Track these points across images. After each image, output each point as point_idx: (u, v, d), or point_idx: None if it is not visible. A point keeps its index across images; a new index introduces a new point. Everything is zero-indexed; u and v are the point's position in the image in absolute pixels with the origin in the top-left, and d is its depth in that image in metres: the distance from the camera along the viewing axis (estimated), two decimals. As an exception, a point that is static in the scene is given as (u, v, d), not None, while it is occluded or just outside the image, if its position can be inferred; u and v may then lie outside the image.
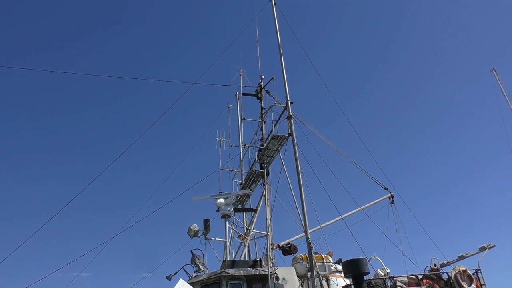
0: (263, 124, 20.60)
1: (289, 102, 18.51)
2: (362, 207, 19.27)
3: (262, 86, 21.68)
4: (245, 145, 21.56)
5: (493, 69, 32.82)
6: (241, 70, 23.68)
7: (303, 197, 15.75)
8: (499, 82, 31.44)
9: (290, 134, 17.63)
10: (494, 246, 17.77)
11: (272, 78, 21.04)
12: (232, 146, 21.95)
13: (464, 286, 15.92)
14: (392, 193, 20.48)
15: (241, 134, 22.32)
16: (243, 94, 22.74)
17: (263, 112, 20.99)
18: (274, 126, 18.47)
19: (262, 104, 21.31)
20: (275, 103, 19.62)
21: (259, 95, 21.54)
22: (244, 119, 22.73)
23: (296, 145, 17.08)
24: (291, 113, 18.16)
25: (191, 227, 16.28)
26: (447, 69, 78.31)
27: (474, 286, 16.15)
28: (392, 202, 20.32)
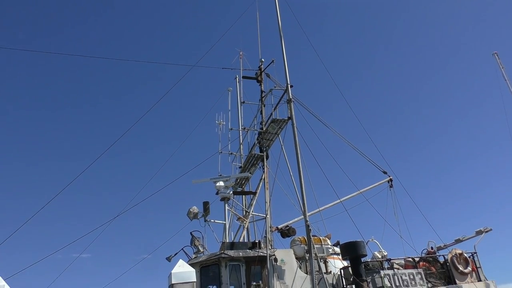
0: (262, 107, 20.56)
1: (289, 85, 18.43)
2: (361, 191, 19.37)
3: (262, 69, 21.55)
4: (244, 128, 21.57)
5: (495, 53, 32.48)
6: (241, 53, 23.53)
7: (302, 180, 15.83)
8: (501, 67, 31.15)
9: (290, 118, 17.60)
10: (491, 230, 17.94)
11: (272, 61, 20.91)
12: (231, 129, 21.97)
13: (460, 268, 16.16)
14: (391, 177, 20.57)
15: (241, 118, 22.32)
16: (243, 77, 22.63)
17: (263, 96, 20.92)
18: (274, 109, 18.44)
19: (262, 88, 21.23)
20: (275, 87, 19.53)
21: (259, 78, 21.43)
22: (243, 102, 22.69)
23: (295, 129, 17.08)
24: (291, 97, 18.10)
25: (191, 209, 16.41)
26: (448, 53, 77.67)
27: (470, 269, 16.40)
28: (391, 186, 20.42)
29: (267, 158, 18.49)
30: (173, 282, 8.88)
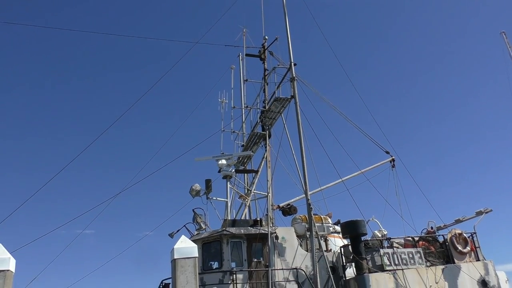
0: (265, 85, 20.41)
1: (292, 63, 18.25)
2: (362, 170, 19.42)
3: (266, 47, 21.30)
4: (247, 106, 21.50)
5: (503, 32, 31.91)
6: (244, 30, 23.23)
7: (304, 159, 15.85)
8: (508, 46, 30.66)
9: (293, 96, 17.50)
10: (491, 210, 18.04)
11: (276, 39, 20.62)
12: (234, 107, 21.92)
13: (459, 248, 16.33)
14: (393, 157, 20.58)
15: (244, 96, 22.23)
16: (246, 55, 22.40)
17: (266, 74, 20.73)
18: (277, 88, 18.33)
19: (265, 66, 21.02)
20: (278, 65, 19.37)
21: (262, 56, 21.20)
22: (246, 80, 22.54)
23: (298, 107, 17.00)
24: (294, 75, 17.94)
25: (193, 187, 16.53)
26: (455, 33, 76.47)
27: (469, 249, 16.56)
28: (393, 166, 20.45)
29: (269, 137, 18.48)
30: (175, 257, 9.01)
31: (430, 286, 14.92)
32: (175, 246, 9.23)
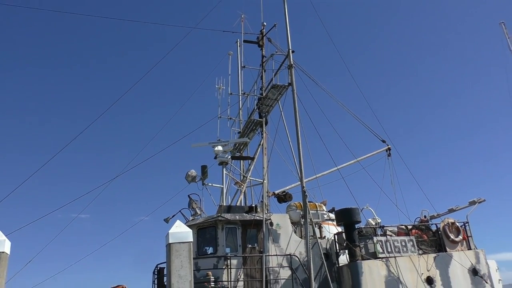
0: (263, 72, 20.31)
1: (290, 50, 18.14)
2: (358, 159, 19.51)
3: (264, 34, 21.12)
4: (244, 93, 21.42)
5: (502, 22, 31.75)
6: (242, 16, 23.03)
7: (300, 146, 15.89)
8: (507, 36, 30.54)
9: (290, 84, 17.44)
10: (484, 200, 18.23)
11: (274, 25, 20.43)
12: (231, 94, 21.84)
13: (451, 237, 16.53)
14: (389, 146, 20.66)
15: (241, 82, 22.14)
16: (244, 41, 22.24)
17: (263, 61, 20.61)
18: (275, 75, 18.22)
19: (263, 52, 20.88)
20: (276, 52, 19.23)
21: (260, 43, 21.04)
22: (244, 67, 22.42)
23: (295, 95, 16.96)
24: (292, 62, 17.86)
25: (189, 173, 16.59)
26: (454, 22, 76.08)
27: (461, 238, 16.77)
28: (389, 155, 20.55)
29: (266, 124, 18.47)
30: (170, 242, 9.09)
31: (422, 273, 15.14)
32: (170, 231, 9.30)
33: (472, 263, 16.10)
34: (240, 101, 21.64)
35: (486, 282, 15.96)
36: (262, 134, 18.28)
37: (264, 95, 18.63)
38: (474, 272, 16.00)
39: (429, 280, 15.15)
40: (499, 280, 17.07)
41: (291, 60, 17.90)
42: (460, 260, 15.93)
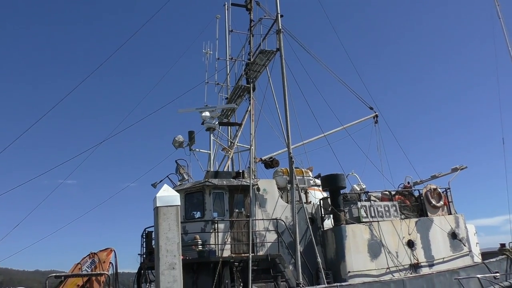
0: (251, 37, 19.96)
1: (279, 15, 17.78)
2: (345, 126, 19.65)
3: (253, -4, 20.59)
4: (232, 58, 21.10)
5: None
6: (231, -22, 22.32)
7: (288, 113, 15.89)
8: (497, 4, 30.27)
9: (279, 49, 17.20)
10: (466, 167, 18.66)
11: (263, -12, 19.91)
12: (218, 59, 21.50)
13: (433, 202, 17.00)
14: (376, 113, 20.79)
15: (229, 47, 21.76)
16: (232, 4, 21.69)
17: (251, 25, 20.21)
18: (263, 40, 17.94)
19: (252, 16, 20.43)
20: (264, 16, 18.85)
21: (249, 6, 20.54)
22: (232, 31, 21.96)
23: (283, 61, 16.77)
24: (280, 27, 17.55)
25: (176, 138, 16.53)
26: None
27: (442, 203, 17.27)
28: (376, 122, 20.72)
29: (253, 90, 18.33)
30: (158, 205, 9.17)
31: (403, 237, 15.65)
32: (157, 195, 9.37)
33: (451, 227, 16.67)
34: (228, 67, 21.37)
35: (464, 245, 16.60)
36: (249, 100, 18.18)
37: (252, 60, 18.39)
38: (453, 235, 16.59)
39: (410, 243, 15.70)
40: (477, 243, 17.75)
41: (280, 25, 17.58)
42: (440, 224, 16.47)
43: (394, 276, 14.51)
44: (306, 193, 17.25)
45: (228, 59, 21.28)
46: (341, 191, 16.01)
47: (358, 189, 18.13)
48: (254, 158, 16.86)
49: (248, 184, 14.82)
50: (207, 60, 21.20)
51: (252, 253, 13.64)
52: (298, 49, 18.40)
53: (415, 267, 15.35)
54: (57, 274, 12.12)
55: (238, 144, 18.46)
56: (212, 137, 16.79)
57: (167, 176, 16.11)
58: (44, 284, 11.72)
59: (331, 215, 15.79)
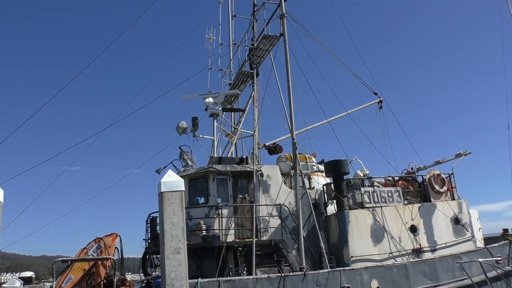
0: (254, 22, 19.79)
1: (282, -1, 17.58)
2: (349, 111, 19.59)
3: (256, -20, 20.34)
4: (235, 43, 20.96)
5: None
6: (233, -39, 22.04)
7: (291, 98, 15.82)
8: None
9: (282, 34, 17.06)
10: (470, 153, 18.60)
11: (267, -28, 19.63)
12: (222, 44, 21.34)
13: (436, 188, 17.02)
14: (381, 98, 20.70)
15: (232, 32, 21.58)
16: (235, -12, 21.45)
17: (255, 10, 20.02)
18: (266, 25, 17.78)
19: (255, 1, 20.23)
20: (268, 0, 18.64)
21: (252, -10, 20.31)
22: (235, 16, 21.75)
23: (287, 46, 16.63)
24: (284, 12, 17.37)
25: (180, 124, 16.54)
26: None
27: (445, 189, 17.28)
28: (381, 107, 20.64)
29: (257, 76, 18.26)
30: (162, 190, 9.23)
31: (406, 222, 15.72)
32: (162, 180, 9.42)
33: (454, 213, 16.71)
34: (231, 52, 21.23)
35: (467, 230, 16.67)
36: (253, 86, 18.13)
37: (255, 46, 18.27)
38: (456, 221, 16.64)
39: (413, 228, 15.77)
40: (479, 228, 17.81)
41: (283, 9, 17.40)
42: (443, 210, 16.52)
43: (396, 261, 14.63)
44: (309, 178, 17.31)
45: (231, 44, 21.13)
46: (345, 177, 16.05)
47: (362, 174, 18.16)
48: (258, 144, 16.89)
49: (252, 170, 14.86)
50: (210, 46, 21.08)
51: (255, 238, 13.77)
52: (302, 34, 18.26)
53: (417, 252, 15.45)
54: (64, 258, 12.31)
55: (241, 130, 18.47)
56: (215, 123, 16.78)
57: (171, 162, 16.20)
58: (51, 268, 11.90)
59: (334, 201, 15.86)
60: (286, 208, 15.04)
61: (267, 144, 17.49)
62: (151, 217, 15.77)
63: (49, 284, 13.33)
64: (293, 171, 15.74)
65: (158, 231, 13.75)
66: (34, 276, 13.82)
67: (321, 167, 17.95)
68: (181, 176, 13.81)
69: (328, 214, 15.87)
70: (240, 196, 15.01)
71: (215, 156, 16.00)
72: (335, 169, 15.90)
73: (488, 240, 17.72)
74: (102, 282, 11.99)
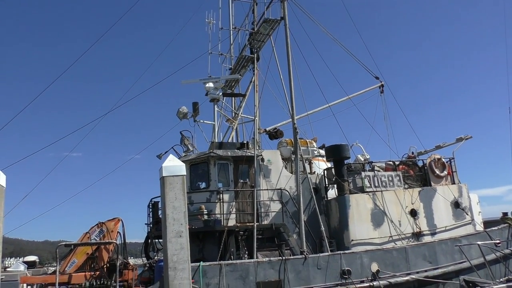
0: (255, 6, 19.53)
1: (283, -18, 17.33)
2: (350, 96, 19.53)
3: (256, -37, 20.02)
4: (235, 28, 20.75)
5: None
6: None
7: (292, 83, 15.75)
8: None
9: (283, 18, 16.88)
10: (471, 137, 18.61)
11: (267, -46, 19.32)
12: (222, 28, 21.14)
13: (437, 172, 17.08)
14: (382, 82, 20.60)
15: (232, 16, 21.33)
16: (235, -29, 21.13)
17: (255, -7, 19.74)
18: (267, 8, 17.56)
19: (255, -16, 19.95)
20: (268, -17, 18.37)
21: (252, -27, 20.02)
22: (235, -1, 21.49)
23: (288, 30, 16.48)
24: (285, -5, 17.13)
25: (180, 109, 16.51)
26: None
27: (446, 173, 17.33)
28: (382, 92, 20.57)
29: (257, 60, 18.13)
30: (164, 175, 9.27)
31: (406, 206, 15.81)
32: (163, 165, 9.45)
33: (455, 197, 16.79)
34: (231, 36, 21.04)
35: (467, 214, 16.77)
36: (253, 71, 18.02)
37: (255, 30, 18.10)
38: (456, 205, 16.74)
39: (413, 212, 15.87)
40: (479, 212, 17.91)
41: (284, -8, 17.16)
42: (443, 194, 16.59)
43: (396, 244, 14.77)
44: (310, 163, 17.34)
45: (231, 28, 20.93)
46: (345, 161, 16.08)
47: (362, 159, 18.19)
48: (259, 129, 16.87)
49: (253, 154, 14.89)
50: (210, 30, 20.87)
51: (256, 222, 13.87)
52: (303, 18, 18.09)
53: (417, 235, 15.57)
54: (67, 243, 12.43)
55: (242, 115, 18.43)
56: (216, 108, 16.74)
57: (172, 147, 16.21)
58: (54, 253, 12.02)
59: (335, 185, 15.92)
60: (287, 193, 15.12)
61: (267, 129, 17.48)
62: (152, 202, 15.87)
63: (53, 268, 13.48)
64: (294, 156, 15.76)
65: (160, 216, 13.86)
66: (37, 260, 13.98)
67: (322, 152, 17.98)
68: (183, 161, 13.86)
69: (328, 199, 15.96)
70: (241, 181, 15.07)
71: (216, 141, 16.00)
72: (335, 153, 15.92)
73: (487, 223, 17.85)
74: (105, 266, 12.13)
